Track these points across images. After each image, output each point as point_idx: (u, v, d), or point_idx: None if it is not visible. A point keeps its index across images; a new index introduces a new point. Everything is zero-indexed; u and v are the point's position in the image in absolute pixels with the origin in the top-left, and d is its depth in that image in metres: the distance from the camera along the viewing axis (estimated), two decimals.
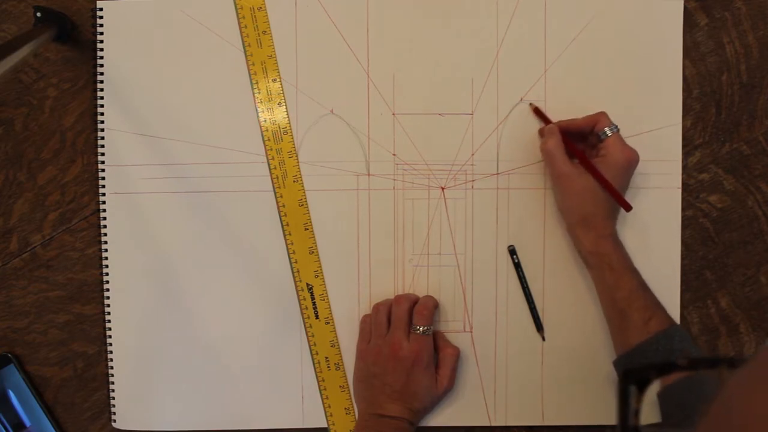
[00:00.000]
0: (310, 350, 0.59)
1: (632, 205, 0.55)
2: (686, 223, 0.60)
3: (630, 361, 0.51)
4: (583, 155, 0.54)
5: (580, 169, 0.54)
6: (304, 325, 0.59)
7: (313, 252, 0.59)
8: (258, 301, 0.59)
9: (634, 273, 0.53)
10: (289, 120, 0.59)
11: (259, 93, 0.58)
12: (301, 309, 0.59)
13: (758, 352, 0.23)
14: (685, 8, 0.58)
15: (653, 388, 0.27)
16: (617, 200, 0.54)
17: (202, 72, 0.58)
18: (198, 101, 0.58)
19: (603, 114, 0.55)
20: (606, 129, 0.54)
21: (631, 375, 0.27)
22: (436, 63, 0.58)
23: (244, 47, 0.58)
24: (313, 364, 0.59)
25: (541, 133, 0.58)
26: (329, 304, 0.59)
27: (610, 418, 0.59)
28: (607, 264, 0.53)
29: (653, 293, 0.53)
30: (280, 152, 0.59)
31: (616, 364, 0.54)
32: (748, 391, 0.22)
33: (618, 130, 0.54)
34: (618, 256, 0.53)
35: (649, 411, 0.50)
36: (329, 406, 0.60)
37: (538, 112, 0.58)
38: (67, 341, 0.60)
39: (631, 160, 0.54)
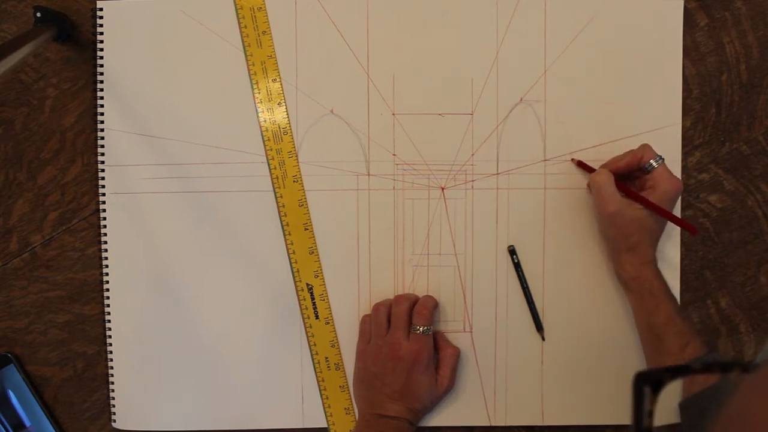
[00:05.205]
0: (310, 350, 0.59)
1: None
2: None
3: None
4: (637, 193, 0.54)
5: (629, 201, 0.54)
6: (304, 325, 0.59)
7: (313, 252, 0.59)
8: (258, 301, 0.59)
9: (672, 299, 0.54)
10: (289, 120, 0.59)
11: (259, 93, 0.58)
12: (301, 309, 0.59)
13: None
14: (685, 8, 0.58)
15: (668, 392, 0.27)
16: (684, 227, 0.56)
17: (202, 72, 0.58)
18: (198, 101, 0.58)
19: (647, 146, 0.54)
20: (652, 161, 0.54)
21: (646, 377, 0.27)
22: (436, 63, 0.58)
23: (244, 47, 0.58)
24: (313, 364, 0.59)
25: (590, 185, 0.56)
26: (329, 304, 0.59)
27: (611, 417, 0.59)
28: (647, 289, 0.53)
29: (690, 320, 0.53)
30: (280, 152, 0.59)
31: None
32: (760, 396, 0.22)
33: (663, 161, 0.54)
34: (658, 282, 0.54)
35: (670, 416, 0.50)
36: (329, 406, 0.59)
37: (582, 164, 0.57)
38: (67, 341, 0.60)
39: (679, 189, 0.54)
